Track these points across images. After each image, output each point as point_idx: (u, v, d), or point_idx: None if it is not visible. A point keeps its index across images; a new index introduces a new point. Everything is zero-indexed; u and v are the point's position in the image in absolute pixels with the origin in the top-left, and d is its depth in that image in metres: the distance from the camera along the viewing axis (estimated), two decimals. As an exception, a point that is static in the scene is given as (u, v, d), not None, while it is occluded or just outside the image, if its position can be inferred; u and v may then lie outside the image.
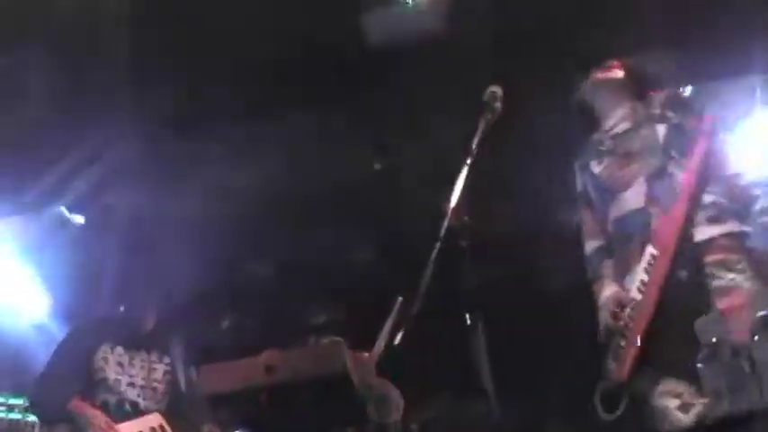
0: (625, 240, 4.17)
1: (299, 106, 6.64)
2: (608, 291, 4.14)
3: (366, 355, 5.38)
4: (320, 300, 7.63)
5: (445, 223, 3.74)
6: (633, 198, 4.19)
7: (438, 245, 3.73)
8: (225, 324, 7.58)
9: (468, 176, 3.79)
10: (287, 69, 6.35)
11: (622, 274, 4.14)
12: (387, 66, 6.28)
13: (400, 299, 5.35)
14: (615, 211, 4.26)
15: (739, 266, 3.79)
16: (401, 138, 7.03)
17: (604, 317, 4.08)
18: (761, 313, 2.93)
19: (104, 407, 5.26)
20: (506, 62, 6.02)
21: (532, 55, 6.22)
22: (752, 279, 3.68)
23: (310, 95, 6.54)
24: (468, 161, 3.81)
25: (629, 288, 4.02)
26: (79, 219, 7.54)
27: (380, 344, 5.38)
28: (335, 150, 7.10)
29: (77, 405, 5.17)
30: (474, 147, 3.84)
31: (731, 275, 3.76)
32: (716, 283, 3.77)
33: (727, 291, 3.70)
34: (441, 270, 3.69)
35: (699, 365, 3.08)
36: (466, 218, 3.82)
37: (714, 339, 2.99)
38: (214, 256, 6.99)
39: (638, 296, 3.92)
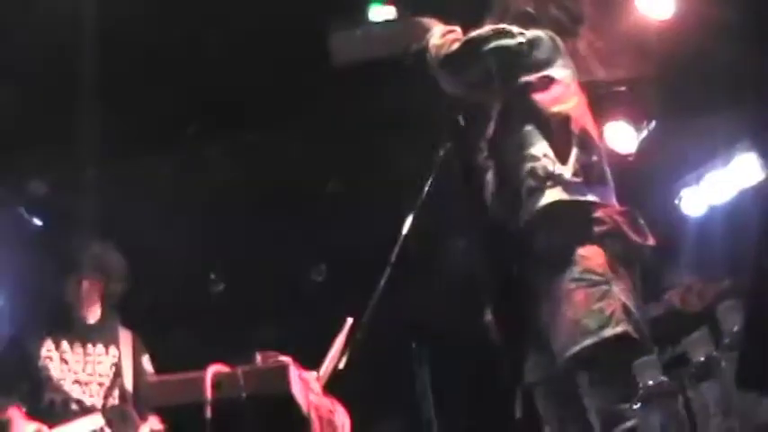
0: None
1: (256, 126, 6.66)
2: None
3: (313, 374, 5.33)
4: (268, 318, 7.63)
5: (397, 249, 3.71)
6: None
7: (388, 270, 3.70)
8: (174, 336, 7.54)
9: (421, 206, 3.76)
10: (242, 90, 6.36)
11: None
12: (347, 86, 6.28)
13: (350, 320, 5.32)
14: None
15: None
16: (357, 160, 7.03)
17: None
18: (698, 359, 2.91)
19: (51, 407, 5.18)
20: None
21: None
22: None
23: (267, 115, 6.55)
24: (424, 192, 3.76)
25: None
26: (37, 221, 7.48)
27: (328, 365, 5.33)
28: (290, 170, 7.10)
29: (11, 415, 5.09)
30: (429, 182, 3.79)
31: None
32: None
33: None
34: (390, 294, 3.68)
35: (635, 407, 3.05)
36: (417, 245, 3.79)
37: (651, 382, 2.98)
38: (163, 267, 6.98)
39: None
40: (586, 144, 3.75)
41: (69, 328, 5.39)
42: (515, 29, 3.87)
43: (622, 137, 6.78)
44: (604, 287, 3.51)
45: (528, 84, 3.81)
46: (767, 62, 5.97)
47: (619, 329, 3.46)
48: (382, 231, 4.02)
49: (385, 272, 3.76)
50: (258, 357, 5.62)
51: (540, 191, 3.65)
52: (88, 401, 5.27)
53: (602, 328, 3.45)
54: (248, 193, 7.31)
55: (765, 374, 2.55)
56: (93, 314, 5.47)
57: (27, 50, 5.94)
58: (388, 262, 3.80)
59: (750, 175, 6.74)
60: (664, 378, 3.01)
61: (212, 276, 8.06)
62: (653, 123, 6.80)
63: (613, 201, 3.78)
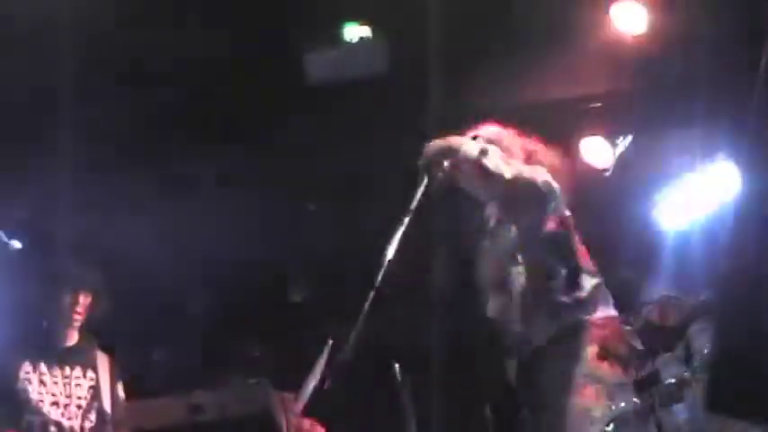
0: None
1: (233, 143, 6.65)
2: None
3: (293, 397, 5.34)
4: (248, 340, 7.60)
5: (382, 272, 3.74)
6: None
7: (372, 293, 3.72)
8: (154, 357, 7.52)
9: (406, 230, 3.79)
10: (217, 106, 6.36)
11: None
12: (326, 104, 6.29)
13: (331, 342, 5.33)
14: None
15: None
16: (338, 178, 7.02)
17: None
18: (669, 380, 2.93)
19: (30, 429, 5.16)
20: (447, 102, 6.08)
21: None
22: None
23: (244, 133, 6.55)
24: (407, 217, 3.78)
25: None
26: (17, 243, 7.44)
27: (308, 387, 5.33)
28: (271, 189, 7.09)
29: None
30: (413, 204, 3.82)
31: None
32: None
33: None
34: (373, 318, 3.69)
35: (609, 429, 3.07)
36: (403, 268, 3.83)
37: (623, 405, 2.99)
38: (143, 287, 6.96)
39: None
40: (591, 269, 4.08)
41: (47, 350, 5.37)
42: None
43: (599, 152, 6.79)
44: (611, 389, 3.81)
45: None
46: (743, 74, 5.99)
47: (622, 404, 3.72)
48: (364, 251, 4.02)
49: (369, 295, 3.76)
50: (238, 380, 5.64)
51: (558, 315, 3.99)
52: (66, 424, 5.24)
53: (605, 417, 3.74)
54: (229, 211, 7.30)
55: (735, 397, 2.57)
56: (72, 337, 5.45)
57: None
58: (372, 285, 3.81)
59: (728, 187, 6.75)
60: (636, 400, 3.03)
61: (192, 298, 8.04)
62: (629, 138, 6.81)
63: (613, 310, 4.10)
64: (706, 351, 2.76)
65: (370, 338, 3.62)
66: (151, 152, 6.67)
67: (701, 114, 6.40)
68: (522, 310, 4.02)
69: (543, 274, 3.99)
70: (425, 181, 3.86)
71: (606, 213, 4.42)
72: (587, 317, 3.97)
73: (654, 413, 2.92)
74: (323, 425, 5.43)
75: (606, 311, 4.05)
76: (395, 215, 3.80)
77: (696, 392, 2.74)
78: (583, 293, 3.97)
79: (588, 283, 4.01)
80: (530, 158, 4.23)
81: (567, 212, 4.09)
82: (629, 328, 4.11)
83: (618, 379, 3.82)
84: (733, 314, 2.66)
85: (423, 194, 3.83)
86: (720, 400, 2.64)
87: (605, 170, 6.77)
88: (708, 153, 6.86)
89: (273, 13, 5.95)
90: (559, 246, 4.00)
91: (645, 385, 3.44)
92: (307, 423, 5.45)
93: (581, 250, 4.10)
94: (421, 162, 3.92)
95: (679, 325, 5.03)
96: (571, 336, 3.95)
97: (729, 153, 6.69)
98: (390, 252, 3.71)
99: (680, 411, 2.81)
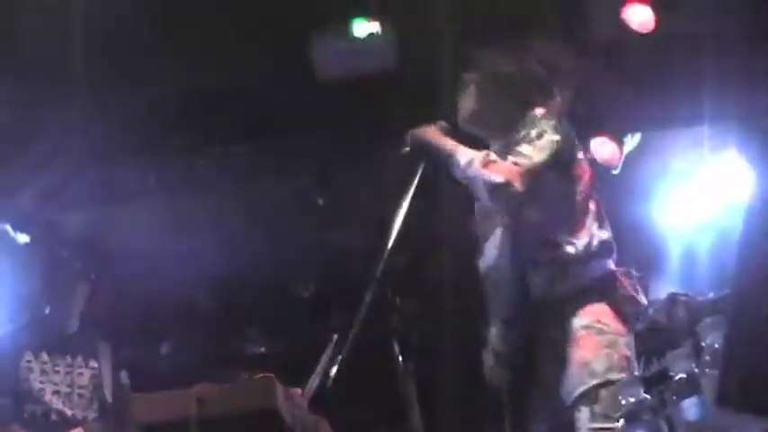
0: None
1: (240, 138, 6.65)
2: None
3: (298, 391, 5.34)
4: (254, 334, 7.61)
5: (382, 263, 3.71)
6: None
7: (374, 284, 3.70)
8: (161, 351, 7.53)
9: (406, 217, 3.77)
10: (228, 101, 6.36)
11: None
12: (333, 99, 6.29)
13: (335, 336, 5.32)
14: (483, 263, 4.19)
15: None
16: (344, 172, 7.02)
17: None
18: (679, 376, 2.92)
19: (32, 419, 5.15)
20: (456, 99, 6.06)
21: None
22: None
23: (251, 127, 6.55)
24: (406, 203, 3.76)
25: None
26: (23, 237, 7.44)
27: (314, 381, 5.34)
28: (277, 183, 7.09)
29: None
30: (411, 192, 3.81)
31: None
32: None
33: None
34: (376, 308, 3.69)
35: (618, 425, 3.07)
36: (403, 258, 3.80)
37: (632, 400, 2.99)
38: (150, 282, 6.97)
39: None
40: (602, 221, 4.02)
41: (49, 339, 5.36)
42: (547, 125, 3.95)
43: (607, 151, 6.78)
44: (612, 337, 3.84)
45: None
46: (752, 73, 5.98)
47: (622, 375, 3.71)
48: (369, 245, 4.03)
49: (370, 287, 3.76)
50: (244, 374, 5.64)
51: (563, 272, 3.92)
52: (68, 413, 5.22)
53: (608, 370, 3.76)
54: (235, 207, 7.30)
55: (745, 393, 2.56)
56: (74, 326, 5.45)
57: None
58: (374, 277, 3.80)
59: (736, 187, 6.74)
60: (646, 396, 3.02)
61: (198, 293, 8.04)
62: (637, 136, 6.80)
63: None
64: (717, 346, 2.76)
65: (372, 328, 3.64)
66: (157, 146, 6.68)
67: (709, 112, 6.40)
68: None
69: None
70: (421, 167, 3.85)
71: (613, 212, 4.40)
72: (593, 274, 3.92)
73: (664, 409, 2.92)
74: (329, 419, 5.43)
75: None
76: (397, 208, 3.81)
77: (706, 388, 2.74)
78: (581, 248, 3.90)
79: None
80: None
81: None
82: (632, 282, 4.02)
83: (619, 332, 3.84)
84: (744, 310, 2.65)
85: (419, 181, 3.82)
86: (731, 395, 2.63)
87: (614, 169, 6.76)
88: (716, 151, 6.86)
89: (282, 9, 5.95)
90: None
91: (654, 381, 3.43)
92: (312, 417, 5.45)
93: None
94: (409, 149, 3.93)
95: (687, 323, 5.02)
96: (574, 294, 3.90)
97: (738, 151, 6.69)
98: (390, 241, 3.72)
99: (690, 406, 2.81)
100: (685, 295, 5.59)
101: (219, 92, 6.36)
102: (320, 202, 7.12)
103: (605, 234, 3.98)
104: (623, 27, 6.18)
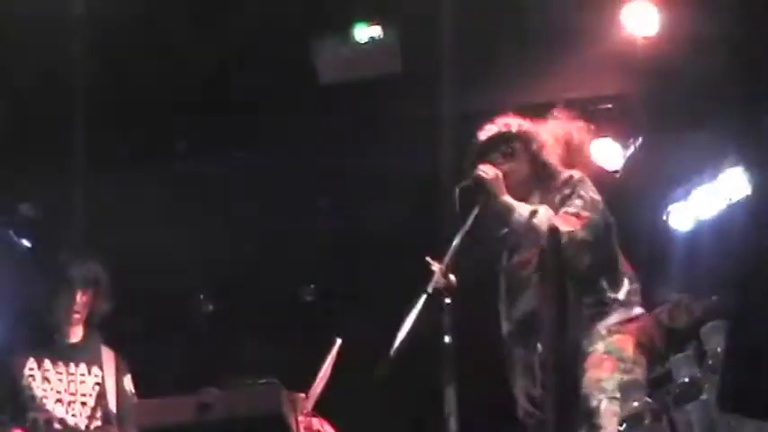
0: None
1: (242, 142, 6.65)
2: (520, 382, 4.33)
3: (303, 396, 5.33)
4: (257, 338, 7.60)
5: (434, 279, 3.95)
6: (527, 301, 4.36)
7: (424, 297, 3.88)
8: (164, 356, 7.53)
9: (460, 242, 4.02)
10: (226, 105, 6.36)
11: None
12: (338, 104, 6.29)
13: (339, 340, 5.33)
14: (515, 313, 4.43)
15: None
16: (346, 176, 7.04)
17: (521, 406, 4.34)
18: (682, 380, 2.92)
19: (34, 426, 5.15)
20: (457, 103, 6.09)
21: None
22: None
23: (253, 131, 6.55)
24: (464, 229, 4.07)
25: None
26: (26, 243, 7.45)
27: (317, 385, 5.33)
28: (281, 187, 7.10)
29: None
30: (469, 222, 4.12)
31: None
32: None
33: None
34: (421, 322, 3.81)
35: (621, 428, 3.07)
36: (452, 277, 4.09)
37: (636, 404, 2.99)
38: (152, 287, 6.97)
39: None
40: (632, 272, 4.39)
41: (52, 347, 5.37)
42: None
43: (609, 154, 6.78)
44: (629, 365, 3.97)
45: None
46: (752, 76, 5.99)
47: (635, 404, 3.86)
48: (375, 251, 4.07)
49: (419, 300, 3.90)
50: (248, 379, 5.63)
51: (603, 313, 4.22)
52: (71, 421, 5.24)
53: (615, 388, 3.87)
54: (237, 211, 7.31)
55: (747, 397, 2.57)
56: (76, 334, 5.44)
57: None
58: (425, 290, 3.96)
59: (737, 189, 6.74)
60: (649, 399, 3.03)
61: (201, 297, 8.05)
62: (640, 139, 6.81)
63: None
64: (719, 350, 2.75)
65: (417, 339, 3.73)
66: (158, 151, 6.68)
67: (712, 116, 6.40)
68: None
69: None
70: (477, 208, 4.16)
71: (616, 215, 4.44)
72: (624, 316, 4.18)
73: (667, 412, 2.92)
74: (333, 424, 5.42)
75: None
76: (404, 212, 3.86)
77: (709, 392, 2.74)
78: (620, 295, 4.20)
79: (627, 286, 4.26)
80: (569, 148, 4.56)
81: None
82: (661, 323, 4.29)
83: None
84: (746, 314, 2.66)
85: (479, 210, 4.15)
86: (733, 399, 2.64)
87: (615, 172, 6.77)
88: (718, 154, 6.86)
89: (284, 13, 5.96)
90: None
91: (657, 385, 3.44)
92: (316, 422, 5.44)
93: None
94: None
95: (690, 326, 5.03)
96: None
97: (740, 155, 6.68)
98: (445, 260, 3.99)
99: (693, 410, 2.81)
100: (688, 299, 5.60)
101: (220, 95, 6.37)
102: (322, 206, 7.16)
103: (636, 284, 4.32)
104: (626, 29, 6.18)
